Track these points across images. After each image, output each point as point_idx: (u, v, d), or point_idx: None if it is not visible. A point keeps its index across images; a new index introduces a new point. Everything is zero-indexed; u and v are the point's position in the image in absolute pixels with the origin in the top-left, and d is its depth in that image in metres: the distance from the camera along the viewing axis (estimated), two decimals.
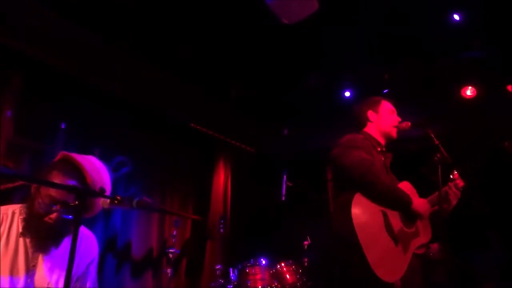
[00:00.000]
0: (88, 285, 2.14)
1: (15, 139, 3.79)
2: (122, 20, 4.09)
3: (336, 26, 4.34)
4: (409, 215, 2.58)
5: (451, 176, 2.74)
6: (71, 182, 1.96)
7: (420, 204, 2.56)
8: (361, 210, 2.39)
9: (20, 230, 1.96)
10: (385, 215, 2.46)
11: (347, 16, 4.24)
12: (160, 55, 4.62)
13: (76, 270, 2.08)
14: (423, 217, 2.58)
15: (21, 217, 1.99)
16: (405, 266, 2.45)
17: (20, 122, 3.85)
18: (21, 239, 1.95)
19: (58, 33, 3.95)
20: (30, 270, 1.94)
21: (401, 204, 2.51)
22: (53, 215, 1.92)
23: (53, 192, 1.92)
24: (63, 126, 3.95)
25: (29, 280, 1.93)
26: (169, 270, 4.13)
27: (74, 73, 4.25)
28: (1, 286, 1.84)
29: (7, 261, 1.90)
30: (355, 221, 2.33)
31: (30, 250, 1.96)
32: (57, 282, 1.98)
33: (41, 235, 1.95)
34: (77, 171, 2.00)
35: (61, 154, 2.12)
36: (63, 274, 1.97)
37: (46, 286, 1.95)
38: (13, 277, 1.89)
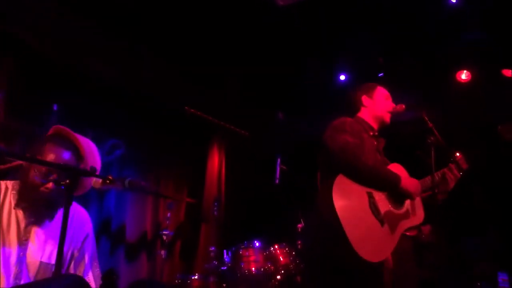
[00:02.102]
0: (86, 261, 2.15)
1: (8, 122, 3.75)
2: (113, 4, 4.03)
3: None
4: (399, 196, 2.59)
5: (452, 159, 2.76)
6: (66, 154, 1.97)
7: (410, 183, 2.57)
8: (343, 192, 2.41)
9: (14, 202, 1.96)
10: (370, 196, 2.48)
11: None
12: (154, 39, 4.57)
13: (70, 246, 2.09)
14: (414, 196, 2.59)
15: (14, 191, 1.99)
16: (392, 247, 2.47)
17: (13, 105, 3.80)
18: (13, 212, 1.95)
19: (52, 17, 3.91)
20: (22, 244, 1.93)
21: (388, 184, 2.53)
22: (49, 185, 1.93)
23: (50, 161, 1.93)
24: (55, 107, 3.92)
25: (21, 253, 1.92)
26: (163, 252, 4.14)
27: (68, 57, 4.20)
28: None
29: None
30: (337, 203, 2.36)
31: (22, 224, 1.96)
32: (49, 257, 1.98)
33: (37, 205, 1.95)
34: (71, 143, 2.01)
35: (54, 127, 2.11)
36: (56, 249, 1.99)
37: (38, 260, 1.95)
38: (6, 249, 1.89)
